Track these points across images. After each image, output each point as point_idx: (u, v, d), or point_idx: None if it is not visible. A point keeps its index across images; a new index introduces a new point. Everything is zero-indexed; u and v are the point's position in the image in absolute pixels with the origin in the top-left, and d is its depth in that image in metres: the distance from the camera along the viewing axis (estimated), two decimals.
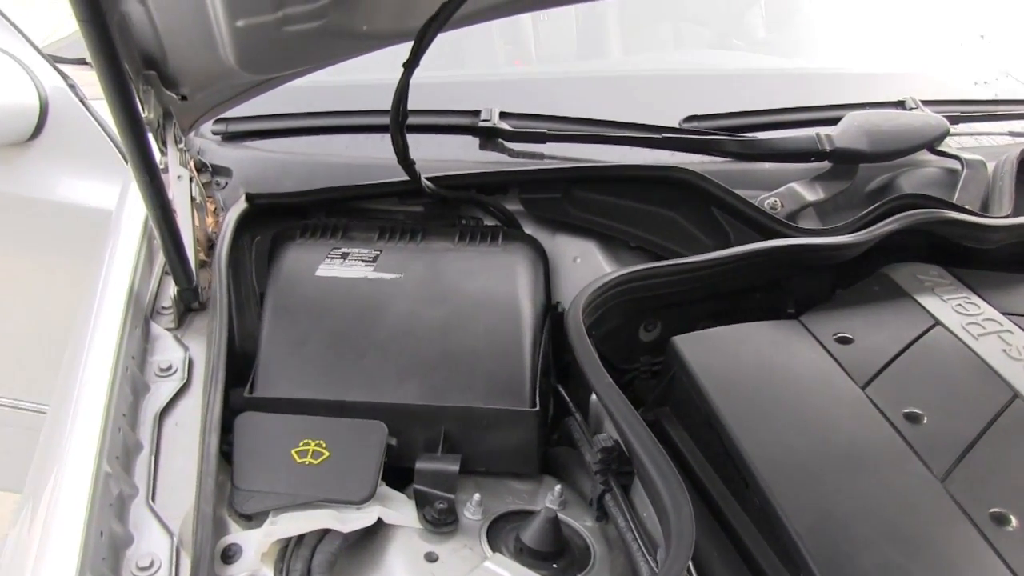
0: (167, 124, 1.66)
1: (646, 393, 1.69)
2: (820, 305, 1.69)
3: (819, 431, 1.42)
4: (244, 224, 1.77)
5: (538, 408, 1.44)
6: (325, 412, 1.43)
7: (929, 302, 1.66)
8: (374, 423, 1.40)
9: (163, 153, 1.67)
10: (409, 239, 1.76)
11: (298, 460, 1.36)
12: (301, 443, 1.38)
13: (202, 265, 1.71)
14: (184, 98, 1.63)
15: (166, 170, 1.68)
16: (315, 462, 1.36)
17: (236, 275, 1.80)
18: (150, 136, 1.53)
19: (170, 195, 1.67)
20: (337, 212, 1.86)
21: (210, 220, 1.81)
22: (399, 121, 1.66)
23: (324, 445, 1.37)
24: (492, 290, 1.62)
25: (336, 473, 1.34)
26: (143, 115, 1.56)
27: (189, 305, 1.61)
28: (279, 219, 1.83)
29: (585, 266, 1.87)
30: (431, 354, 1.50)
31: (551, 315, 1.72)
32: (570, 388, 1.61)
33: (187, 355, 1.52)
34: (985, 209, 1.89)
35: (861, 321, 1.63)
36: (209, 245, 1.77)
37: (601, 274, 1.81)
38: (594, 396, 1.47)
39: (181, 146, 1.71)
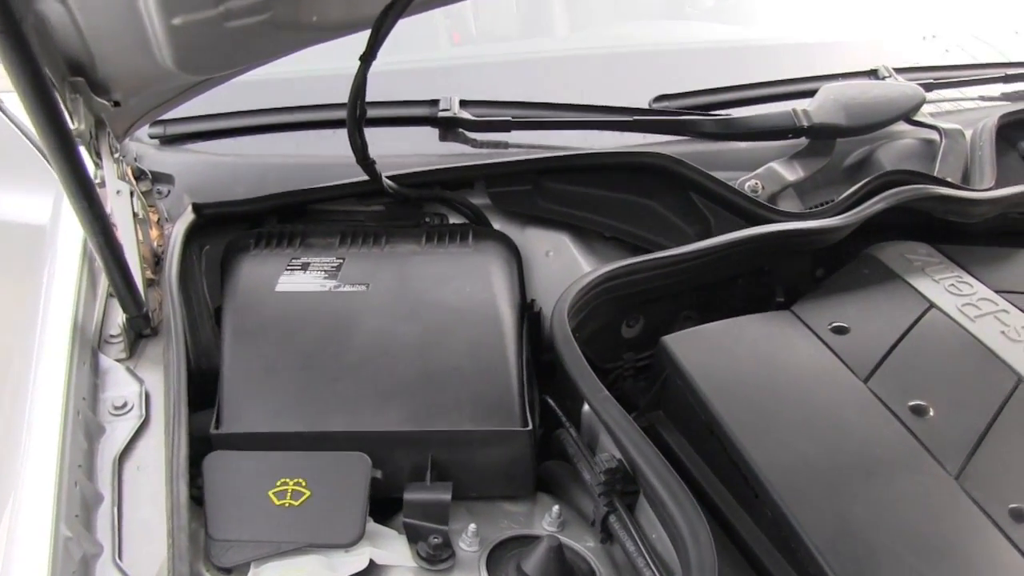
0: (100, 134, 1.51)
1: (633, 392, 1.61)
2: (811, 293, 1.63)
3: (827, 433, 1.36)
4: (192, 237, 1.64)
5: (530, 427, 1.35)
6: (300, 445, 1.32)
7: (921, 283, 1.61)
8: (356, 455, 1.30)
9: (98, 166, 1.53)
10: (373, 243, 1.65)
11: (277, 502, 1.25)
12: (278, 483, 1.27)
13: (149, 284, 1.58)
14: (117, 104, 1.48)
15: (102, 184, 1.54)
16: (295, 503, 1.25)
17: (186, 289, 1.68)
18: (82, 151, 1.40)
19: (109, 212, 1.54)
20: (293, 216, 1.74)
21: (154, 233, 1.68)
22: (356, 119, 1.54)
23: (304, 483, 1.27)
24: (467, 297, 1.52)
25: (319, 514, 1.24)
26: (72, 126, 1.43)
27: (140, 332, 1.48)
28: (229, 226, 1.71)
29: (559, 260, 1.78)
30: (410, 374, 1.40)
31: (527, 315, 1.63)
32: (554, 392, 1.53)
33: (143, 389, 1.40)
34: (966, 180, 1.84)
35: (855, 308, 1.57)
36: (155, 261, 1.64)
37: (575, 267, 1.75)
38: (586, 406, 1.39)
39: (118, 155, 1.57)
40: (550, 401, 1.47)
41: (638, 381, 1.70)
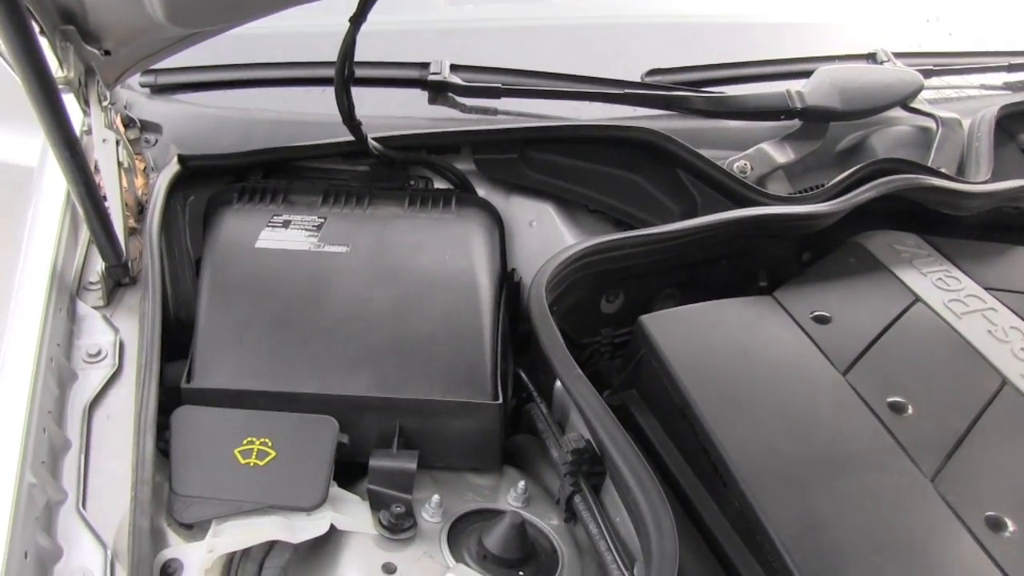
0: (89, 82, 1.50)
1: (608, 371, 1.61)
2: (794, 279, 1.61)
3: (800, 425, 1.35)
4: (176, 188, 1.63)
5: (500, 400, 1.35)
6: (270, 404, 1.32)
7: (908, 276, 1.59)
8: (324, 418, 1.30)
9: (86, 114, 1.52)
10: (355, 204, 1.64)
11: (242, 461, 1.25)
12: (245, 441, 1.27)
13: (131, 232, 1.58)
14: (108, 53, 1.47)
15: (89, 131, 1.53)
16: (260, 463, 1.25)
17: (169, 239, 1.68)
18: (68, 100, 1.39)
19: (95, 159, 1.53)
20: (277, 172, 1.73)
21: (139, 181, 1.67)
22: (344, 80, 1.52)
23: (270, 444, 1.27)
24: (447, 265, 1.51)
25: (284, 476, 1.24)
26: (62, 73, 1.42)
27: (119, 281, 1.48)
28: (214, 179, 1.70)
29: (541, 230, 1.77)
30: (383, 340, 1.39)
31: (507, 285, 1.62)
32: (529, 365, 1.53)
33: (117, 338, 1.40)
34: (961, 172, 1.82)
35: (838, 298, 1.56)
36: (139, 210, 1.63)
37: (558, 238, 1.74)
38: (558, 383, 1.39)
39: (106, 104, 1.55)
40: (522, 375, 1.47)
41: (614, 358, 1.71)
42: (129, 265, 1.48)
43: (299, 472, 1.25)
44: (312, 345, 1.38)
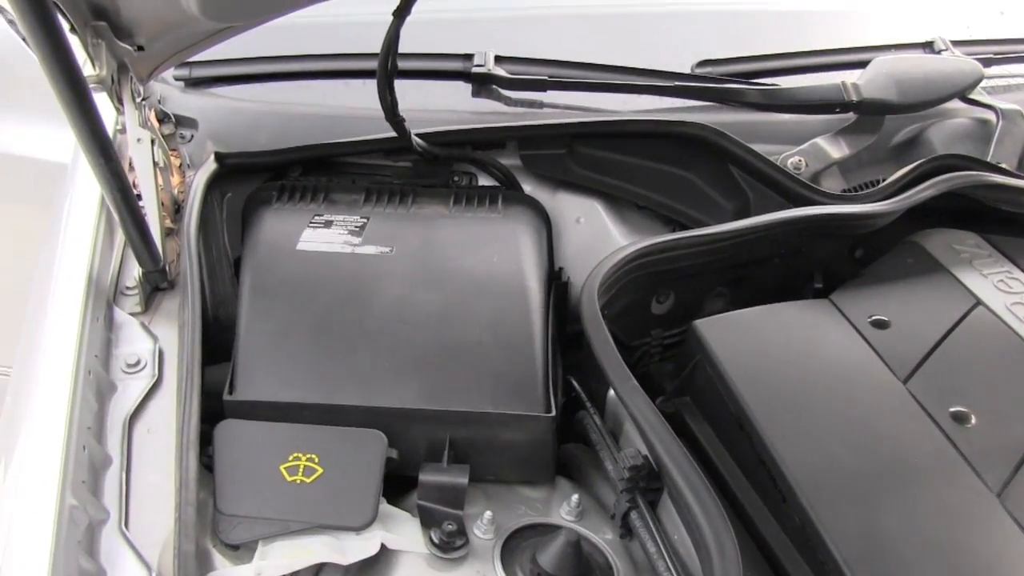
0: (123, 79, 1.44)
1: (659, 375, 1.54)
2: (851, 281, 1.54)
3: (861, 436, 1.28)
4: (213, 187, 1.57)
5: (553, 413, 1.28)
6: (315, 417, 1.27)
7: (968, 277, 1.51)
8: (372, 433, 1.24)
9: (119, 112, 1.46)
10: (399, 203, 1.58)
11: (288, 478, 1.20)
12: (291, 457, 1.22)
13: (168, 233, 1.52)
14: (141, 48, 1.41)
15: (123, 130, 1.47)
16: (307, 480, 1.20)
17: (206, 237, 1.62)
18: (102, 97, 1.33)
19: (129, 159, 1.47)
20: (316, 168, 1.67)
21: (175, 179, 1.61)
22: (388, 75, 1.45)
23: (316, 460, 1.22)
24: (494, 267, 1.45)
25: (331, 493, 1.19)
26: (94, 72, 1.36)
27: (157, 286, 1.42)
28: (252, 175, 1.64)
29: (589, 227, 1.70)
30: (430, 347, 1.33)
31: (555, 285, 1.56)
32: (579, 368, 1.46)
33: (156, 346, 1.34)
34: (1022, 167, 1.73)
35: (896, 301, 1.49)
36: (175, 209, 1.58)
37: (606, 236, 1.68)
38: (612, 392, 1.33)
39: (140, 100, 1.49)
40: (574, 382, 1.41)
41: (665, 360, 1.64)
42: (167, 269, 1.42)
43: (347, 489, 1.19)
44: (357, 353, 1.33)
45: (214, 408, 1.29)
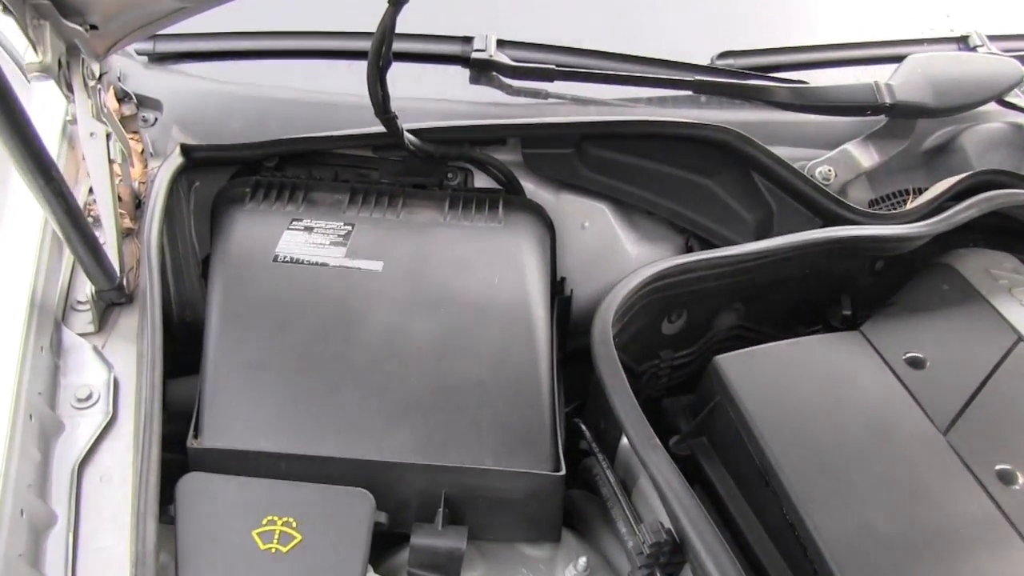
0: (72, 63, 1.20)
1: (672, 408, 1.36)
2: (882, 311, 1.37)
3: (900, 498, 1.12)
4: (179, 182, 1.36)
5: (563, 472, 1.10)
6: (292, 469, 1.08)
7: (1008, 308, 1.34)
8: (357, 493, 1.06)
9: (69, 100, 1.22)
10: (387, 206, 1.37)
11: (262, 546, 1.02)
12: (265, 521, 1.03)
13: (127, 234, 1.30)
14: (94, 27, 1.17)
15: (74, 121, 1.24)
16: (283, 549, 1.02)
17: (172, 232, 1.42)
18: (50, 85, 1.11)
19: (81, 156, 1.25)
20: (296, 159, 1.45)
21: (136, 170, 1.39)
22: (380, 67, 1.23)
23: (294, 524, 1.03)
24: (496, 291, 1.25)
25: (311, 565, 1.01)
26: (37, 58, 1.13)
27: (113, 301, 1.21)
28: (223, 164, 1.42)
29: (594, 233, 1.51)
30: (424, 388, 1.14)
31: (557, 300, 1.37)
32: (580, 386, 1.29)
33: (111, 376, 1.14)
34: None
35: (932, 335, 1.32)
36: (135, 204, 1.36)
37: (614, 245, 1.51)
38: (625, 440, 1.15)
39: (94, 85, 1.26)
40: (583, 427, 1.23)
41: (672, 382, 1.47)
42: (125, 282, 1.21)
43: (329, 561, 1.01)
44: (342, 394, 1.13)
45: (179, 431, 1.11)
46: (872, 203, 1.53)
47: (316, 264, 1.26)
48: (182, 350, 1.28)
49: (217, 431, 1.10)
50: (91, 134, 1.22)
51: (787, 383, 1.24)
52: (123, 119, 1.44)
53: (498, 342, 1.19)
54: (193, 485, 1.05)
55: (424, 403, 1.13)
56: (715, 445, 1.25)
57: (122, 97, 1.44)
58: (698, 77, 1.50)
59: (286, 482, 1.06)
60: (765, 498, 1.15)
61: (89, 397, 1.12)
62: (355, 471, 1.08)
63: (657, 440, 1.07)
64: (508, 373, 1.16)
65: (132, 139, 1.43)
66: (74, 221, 1.04)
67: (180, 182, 1.40)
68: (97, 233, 1.26)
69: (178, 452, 1.10)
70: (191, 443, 1.09)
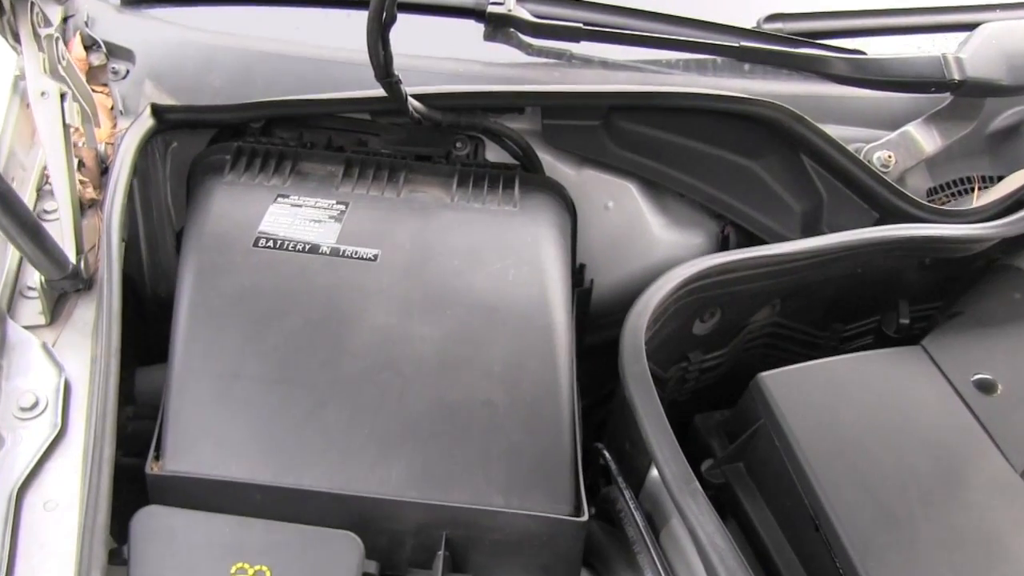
0: (19, 5, 0.98)
1: (705, 426, 1.17)
2: (947, 323, 1.17)
3: (971, 554, 0.94)
4: (153, 143, 1.16)
5: (585, 516, 0.92)
6: (268, 503, 0.89)
7: None
8: (343, 537, 0.87)
9: (16, 51, 1.01)
10: (387, 181, 1.17)
11: None
12: (234, 569, 0.85)
13: (90, 205, 1.11)
14: None
15: (22, 76, 1.03)
16: None
17: (146, 198, 1.22)
18: None
19: (34, 121, 1.04)
20: (284, 121, 1.24)
21: (103, 130, 1.18)
22: (382, 24, 1.02)
23: (269, 574, 0.85)
24: (510, 290, 1.05)
25: None
26: None
27: (66, 291, 1.02)
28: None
29: (619, 215, 1.31)
30: (424, 408, 0.95)
31: (576, 293, 1.18)
32: (602, 416, 1.11)
33: (62, 380, 0.95)
34: None
35: (1003, 353, 1.13)
36: (101, 170, 1.15)
37: (640, 227, 1.34)
38: (654, 472, 0.97)
39: (49, 33, 1.04)
40: (605, 454, 1.04)
41: (699, 387, 1.28)
42: (83, 264, 1.01)
43: None
44: (328, 412, 0.94)
45: (147, 432, 0.93)
46: (930, 192, 1.32)
47: (303, 251, 1.06)
48: (156, 330, 1.09)
49: (181, 453, 0.91)
50: (42, 93, 1.01)
51: (841, 407, 1.05)
52: (90, 70, 1.23)
53: (511, 354, 0.99)
54: (150, 523, 0.86)
55: (423, 426, 0.94)
56: (754, 474, 1.07)
57: (89, 45, 1.23)
58: (742, 42, 1.28)
59: (260, 521, 0.87)
60: (813, 544, 0.97)
61: (35, 406, 0.93)
62: (341, 507, 0.89)
63: (697, 483, 0.89)
64: (523, 392, 0.97)
65: (102, 92, 1.22)
66: (14, 217, 0.83)
67: (155, 143, 1.20)
68: (52, 207, 1.07)
69: (144, 456, 0.92)
70: (151, 468, 0.90)
